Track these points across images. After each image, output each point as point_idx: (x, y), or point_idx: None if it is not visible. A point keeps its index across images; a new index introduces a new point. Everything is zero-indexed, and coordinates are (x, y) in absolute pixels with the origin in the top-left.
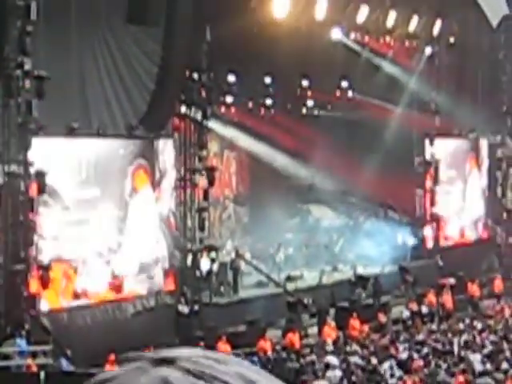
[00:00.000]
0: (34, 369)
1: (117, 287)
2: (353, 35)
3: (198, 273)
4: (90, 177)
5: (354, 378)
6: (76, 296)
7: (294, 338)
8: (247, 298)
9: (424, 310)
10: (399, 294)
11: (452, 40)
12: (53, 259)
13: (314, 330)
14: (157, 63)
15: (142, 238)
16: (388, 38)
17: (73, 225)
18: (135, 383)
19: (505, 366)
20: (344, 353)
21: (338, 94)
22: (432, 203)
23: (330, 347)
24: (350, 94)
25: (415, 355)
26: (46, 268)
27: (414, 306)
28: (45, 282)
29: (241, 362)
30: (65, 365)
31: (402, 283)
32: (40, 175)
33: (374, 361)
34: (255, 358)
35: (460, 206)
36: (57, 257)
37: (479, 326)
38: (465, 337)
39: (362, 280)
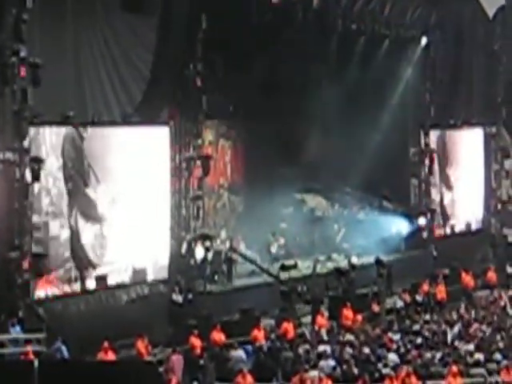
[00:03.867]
0: (28, 356)
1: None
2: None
3: (192, 261)
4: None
5: (346, 368)
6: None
7: (288, 326)
8: (241, 286)
9: (418, 299)
10: (376, 288)
11: (448, 30)
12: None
13: (307, 319)
14: (152, 51)
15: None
16: (384, 28)
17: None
18: None
19: (497, 356)
20: (337, 342)
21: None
22: (427, 193)
23: (323, 337)
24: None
25: (409, 345)
26: (40, 256)
27: (407, 297)
28: (39, 271)
29: None
30: (65, 352)
31: (378, 277)
32: (35, 162)
33: (366, 350)
34: (249, 347)
35: (455, 196)
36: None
37: (472, 316)
38: (458, 327)
39: (338, 273)
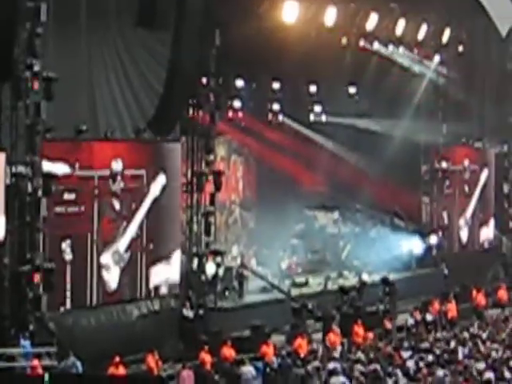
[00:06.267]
0: (36, 371)
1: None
2: (362, 42)
3: (203, 277)
4: None
5: None
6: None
7: (302, 342)
8: (252, 302)
9: (429, 318)
10: (382, 307)
11: (461, 49)
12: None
13: (318, 336)
14: (165, 67)
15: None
16: (397, 47)
17: None
18: None
19: (508, 375)
20: (347, 360)
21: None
22: (438, 211)
23: (334, 354)
24: (356, 99)
25: (420, 363)
26: (49, 270)
27: (418, 315)
28: (49, 285)
29: None
30: (79, 367)
31: (384, 295)
32: (47, 177)
33: (377, 367)
34: (260, 364)
35: (466, 214)
36: None
37: (484, 335)
38: (469, 346)
39: (341, 291)
